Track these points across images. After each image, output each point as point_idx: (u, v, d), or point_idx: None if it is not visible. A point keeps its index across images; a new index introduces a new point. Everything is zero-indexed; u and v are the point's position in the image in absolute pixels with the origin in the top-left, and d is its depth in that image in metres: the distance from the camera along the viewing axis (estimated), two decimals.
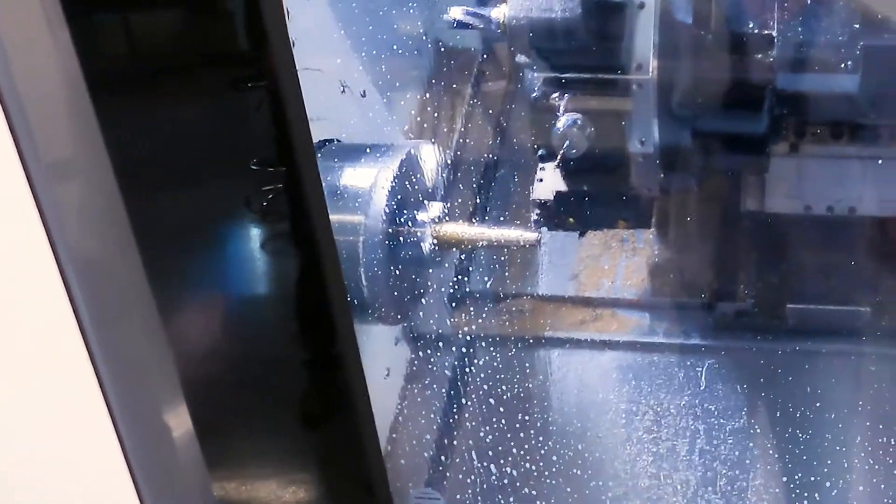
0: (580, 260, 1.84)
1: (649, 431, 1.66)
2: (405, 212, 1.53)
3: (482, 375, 1.73)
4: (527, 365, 1.76)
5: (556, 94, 1.49)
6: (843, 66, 1.47)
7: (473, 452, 1.65)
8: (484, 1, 1.59)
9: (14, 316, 1.06)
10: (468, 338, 1.78)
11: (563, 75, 1.50)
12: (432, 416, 1.73)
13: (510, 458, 1.62)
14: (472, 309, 1.81)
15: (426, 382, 1.78)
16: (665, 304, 1.80)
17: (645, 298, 1.79)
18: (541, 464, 1.62)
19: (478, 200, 1.82)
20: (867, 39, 1.44)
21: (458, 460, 1.66)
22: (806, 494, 1.56)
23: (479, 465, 1.64)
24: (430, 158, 1.62)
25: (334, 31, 1.64)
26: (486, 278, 1.84)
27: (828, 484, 1.56)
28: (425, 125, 1.80)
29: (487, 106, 1.88)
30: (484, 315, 1.80)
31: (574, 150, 1.48)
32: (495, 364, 1.74)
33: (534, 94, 1.51)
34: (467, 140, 1.84)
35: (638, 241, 1.82)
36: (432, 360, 1.78)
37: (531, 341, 1.79)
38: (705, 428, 1.64)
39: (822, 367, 1.66)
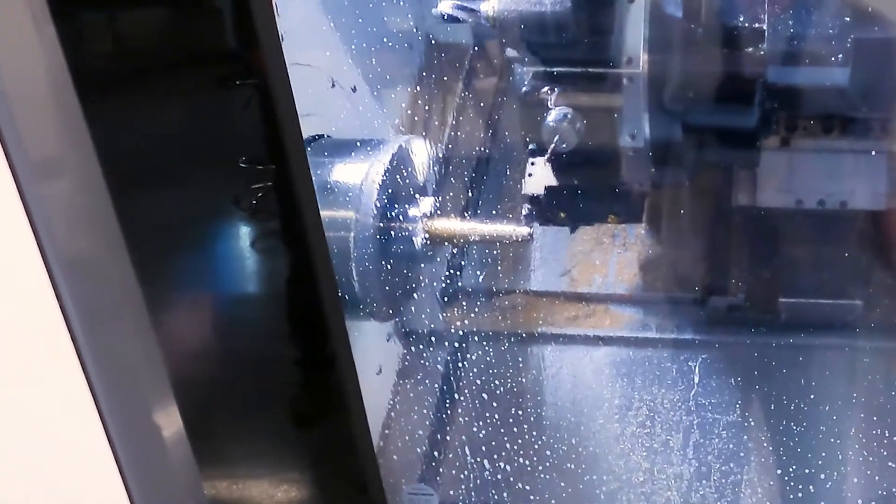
0: (572, 255, 1.84)
1: (643, 426, 1.66)
2: (396, 207, 1.53)
3: (475, 371, 1.73)
4: (520, 361, 1.76)
5: (546, 89, 1.49)
6: (833, 59, 1.47)
7: (466, 448, 1.65)
8: None
9: (1, 316, 1.05)
10: (461, 334, 1.78)
11: (553, 69, 1.49)
12: (425, 412, 1.73)
13: (503, 454, 1.62)
14: (464, 305, 1.81)
15: (419, 379, 1.77)
16: (657, 299, 1.80)
17: (637, 294, 1.79)
18: (534, 459, 1.62)
19: (470, 195, 1.81)
20: (857, 32, 1.44)
21: (451, 456, 1.66)
22: (800, 487, 1.57)
23: (472, 460, 1.64)
24: (421, 153, 1.62)
25: (324, 26, 1.63)
26: (478, 274, 1.83)
27: (822, 476, 1.57)
28: (416, 120, 1.80)
29: (479, 101, 1.88)
30: (476, 311, 1.80)
31: (564, 145, 1.48)
32: (488, 360, 1.74)
33: (523, 89, 1.51)
34: (458, 135, 1.84)
35: (629, 236, 1.82)
36: (425, 356, 1.78)
37: (524, 337, 1.79)
38: (699, 422, 1.64)
39: (815, 361, 1.66)
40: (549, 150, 1.50)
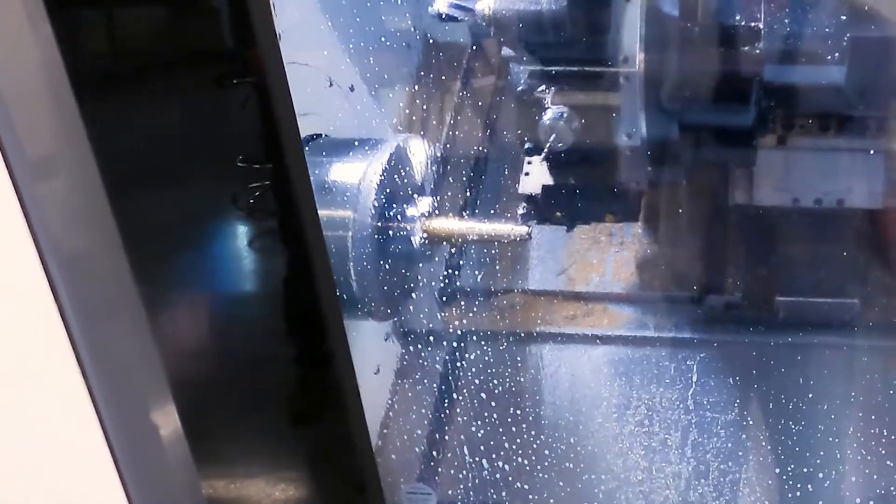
0: (569, 255, 1.84)
1: (641, 425, 1.66)
2: (394, 206, 1.53)
3: (473, 371, 1.73)
4: (518, 360, 1.76)
5: (542, 88, 1.49)
6: (830, 57, 1.47)
7: (465, 448, 1.65)
8: None
9: None
10: (459, 333, 1.78)
11: (549, 68, 1.49)
12: (423, 411, 1.73)
13: (502, 453, 1.62)
14: (462, 304, 1.81)
15: (417, 378, 1.77)
16: (654, 297, 1.80)
17: (634, 292, 1.79)
18: (533, 458, 1.62)
19: (468, 194, 1.81)
20: (854, 31, 1.44)
21: (449, 456, 1.66)
22: (798, 486, 1.57)
23: (471, 460, 1.64)
24: (419, 152, 1.62)
25: (321, 25, 1.63)
26: (476, 273, 1.83)
27: (820, 475, 1.57)
28: (414, 119, 1.80)
29: (477, 100, 1.88)
30: (475, 310, 1.80)
31: (561, 144, 1.48)
32: (486, 359, 1.74)
33: (520, 88, 1.51)
34: (456, 134, 1.84)
35: (626, 235, 1.82)
36: (423, 355, 1.78)
37: (522, 336, 1.79)
38: (697, 421, 1.64)
39: (812, 360, 1.66)
40: (546, 149, 1.50)
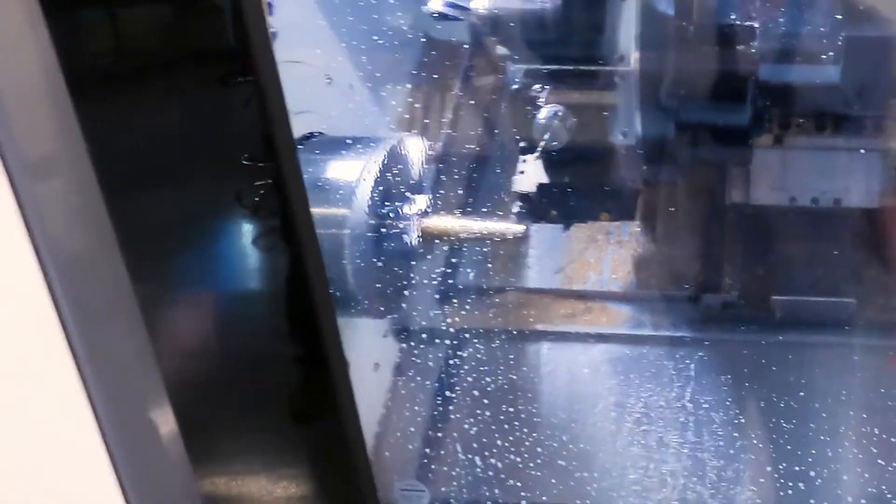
0: (566, 253, 1.84)
1: (637, 423, 1.66)
2: (391, 204, 1.53)
3: (471, 369, 1.73)
4: (516, 358, 1.76)
5: (537, 86, 1.49)
6: (825, 56, 1.47)
7: (465, 445, 1.65)
8: None
9: None
10: (456, 331, 1.78)
11: (544, 67, 1.49)
12: (421, 409, 1.73)
13: (500, 451, 1.62)
14: (459, 303, 1.81)
15: (415, 376, 1.78)
16: (651, 296, 1.80)
17: (631, 291, 1.79)
18: (530, 456, 1.62)
19: (465, 193, 1.81)
20: (849, 30, 1.44)
21: (448, 453, 1.66)
22: (794, 485, 1.57)
23: (470, 457, 1.64)
24: (416, 151, 1.62)
25: (320, 24, 1.63)
26: (473, 272, 1.83)
27: (815, 473, 1.57)
28: (412, 118, 1.80)
29: (474, 98, 1.88)
30: (472, 309, 1.80)
31: (555, 142, 1.48)
32: (484, 357, 1.74)
33: (514, 86, 1.51)
34: (454, 133, 1.84)
35: (623, 233, 1.82)
36: (421, 353, 1.78)
37: (519, 334, 1.79)
38: (692, 419, 1.64)
39: (808, 358, 1.66)
40: (540, 148, 1.50)
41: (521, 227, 1.53)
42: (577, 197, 1.60)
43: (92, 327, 1.06)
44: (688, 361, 1.69)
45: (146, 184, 1.04)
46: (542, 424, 1.65)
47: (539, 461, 1.61)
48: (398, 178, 1.55)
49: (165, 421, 1.13)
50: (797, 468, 1.57)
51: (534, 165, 1.61)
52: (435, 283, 1.81)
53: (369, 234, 1.49)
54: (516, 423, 1.64)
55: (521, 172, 1.61)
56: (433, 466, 1.65)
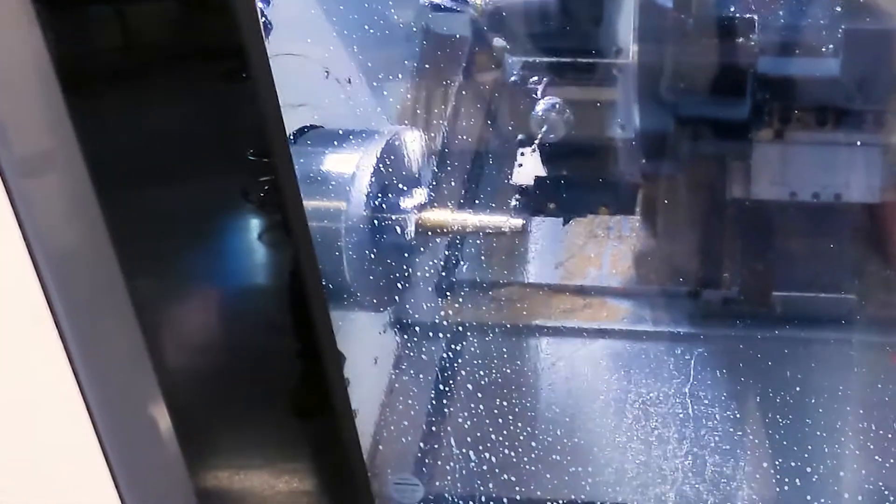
0: (566, 248, 1.83)
1: (636, 419, 1.65)
2: (389, 198, 1.52)
3: (470, 363, 1.73)
4: (512, 353, 1.75)
5: (534, 79, 1.48)
6: (825, 49, 1.46)
7: (463, 439, 1.65)
8: None
9: None
10: (456, 326, 1.78)
11: (541, 59, 1.48)
12: (421, 403, 1.73)
13: (497, 445, 1.62)
14: (459, 297, 1.81)
15: (414, 370, 1.77)
16: (651, 291, 1.79)
17: (631, 286, 1.78)
18: (530, 450, 1.61)
19: (464, 187, 1.81)
20: (848, 23, 1.43)
21: (446, 447, 1.66)
22: (794, 480, 1.56)
23: (468, 452, 1.64)
24: (415, 144, 1.61)
25: (318, 17, 1.62)
26: (473, 267, 1.83)
27: (815, 468, 1.56)
28: (411, 111, 1.79)
29: (474, 92, 1.87)
30: (471, 303, 1.80)
31: (552, 135, 1.47)
32: (483, 352, 1.74)
33: (512, 79, 1.50)
34: (453, 126, 1.83)
35: (624, 228, 1.81)
36: (420, 348, 1.78)
37: (518, 329, 1.79)
38: (691, 415, 1.64)
39: (809, 354, 1.65)
40: (537, 141, 1.50)
41: (519, 222, 1.53)
42: (576, 190, 1.60)
43: (85, 324, 1.06)
44: (687, 357, 1.68)
45: (139, 181, 1.04)
46: (543, 419, 1.65)
47: (540, 455, 1.61)
48: (395, 172, 1.54)
49: (159, 416, 1.13)
50: (798, 464, 1.57)
51: (532, 158, 1.60)
52: (433, 277, 1.81)
53: (366, 228, 1.48)
54: (518, 417, 1.63)
55: (520, 165, 1.61)
56: (431, 460, 1.65)
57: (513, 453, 1.61)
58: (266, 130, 1.03)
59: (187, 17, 0.99)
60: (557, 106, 1.47)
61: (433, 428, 1.70)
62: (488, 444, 1.62)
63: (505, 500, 1.59)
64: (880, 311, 1.65)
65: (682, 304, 1.74)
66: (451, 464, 1.64)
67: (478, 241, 1.80)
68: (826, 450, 1.56)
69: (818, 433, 1.57)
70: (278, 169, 1.06)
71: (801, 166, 1.60)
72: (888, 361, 1.64)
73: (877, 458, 1.55)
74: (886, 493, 1.50)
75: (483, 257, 1.82)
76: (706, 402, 1.65)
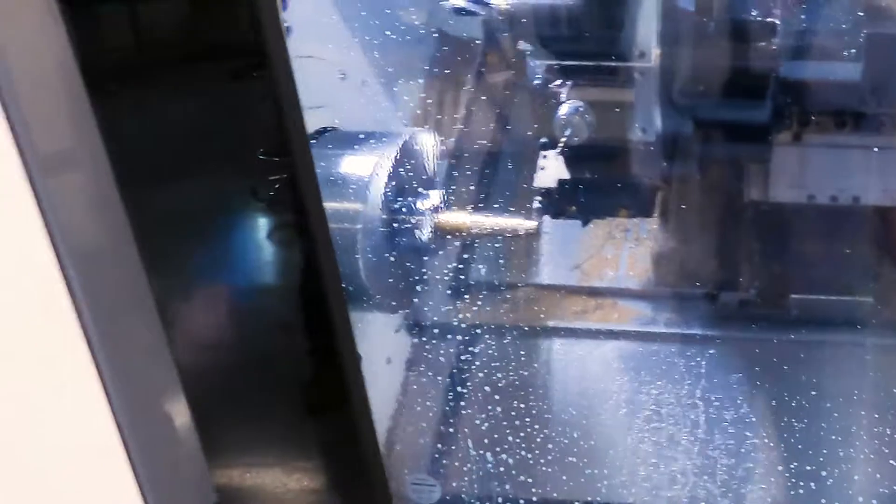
0: (583, 250, 1.83)
1: (650, 421, 1.65)
2: (404, 200, 1.52)
3: (484, 364, 1.73)
4: (528, 355, 1.76)
5: (558, 82, 1.48)
6: (846, 54, 1.46)
7: (475, 440, 1.65)
8: None
9: (12, 307, 1.05)
10: (469, 327, 1.78)
11: (564, 63, 1.49)
12: (434, 403, 1.73)
13: (510, 446, 1.62)
14: (473, 298, 1.81)
15: (427, 370, 1.78)
16: (668, 293, 1.79)
17: (648, 288, 1.79)
18: (536, 452, 1.62)
19: (478, 189, 1.81)
20: (870, 27, 1.43)
21: (458, 448, 1.66)
22: (808, 484, 1.56)
23: (481, 452, 1.64)
24: (430, 146, 1.61)
25: (334, 19, 1.63)
26: (487, 268, 1.83)
27: (823, 473, 1.56)
28: (425, 113, 1.80)
29: (489, 95, 1.87)
30: (485, 304, 1.80)
31: (576, 138, 1.48)
32: (496, 353, 1.74)
33: (535, 82, 1.51)
34: (467, 128, 1.83)
35: (641, 230, 1.81)
36: (433, 348, 1.78)
37: (532, 331, 1.79)
38: (707, 417, 1.64)
39: (825, 357, 1.65)
40: (561, 144, 1.50)
41: (534, 224, 1.53)
42: (597, 193, 1.60)
43: (108, 319, 1.06)
44: (700, 359, 1.68)
45: (162, 178, 1.04)
46: (559, 422, 1.65)
47: (552, 457, 1.61)
48: (411, 174, 1.54)
49: (180, 412, 1.13)
50: (813, 468, 1.57)
51: (553, 161, 1.60)
52: (448, 278, 1.81)
53: (382, 229, 1.48)
54: (529, 419, 1.64)
55: (542, 168, 1.61)
56: (444, 461, 1.65)
57: (529, 455, 1.61)
58: (287, 129, 1.04)
59: (210, 14, 0.99)
60: (581, 109, 1.48)
61: (446, 428, 1.70)
62: (502, 445, 1.63)
63: (521, 501, 1.59)
64: None
65: (700, 306, 1.74)
66: (465, 464, 1.64)
67: (492, 243, 1.81)
68: (841, 454, 1.56)
69: (833, 437, 1.57)
70: (299, 169, 1.06)
71: (820, 169, 1.60)
72: None
73: (892, 462, 1.55)
74: None
75: (497, 259, 1.82)
76: (722, 404, 1.65)
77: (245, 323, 1.14)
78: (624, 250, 1.82)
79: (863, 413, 1.59)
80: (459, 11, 1.59)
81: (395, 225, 1.51)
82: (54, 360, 1.08)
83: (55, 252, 1.01)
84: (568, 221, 1.75)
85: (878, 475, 1.55)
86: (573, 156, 1.56)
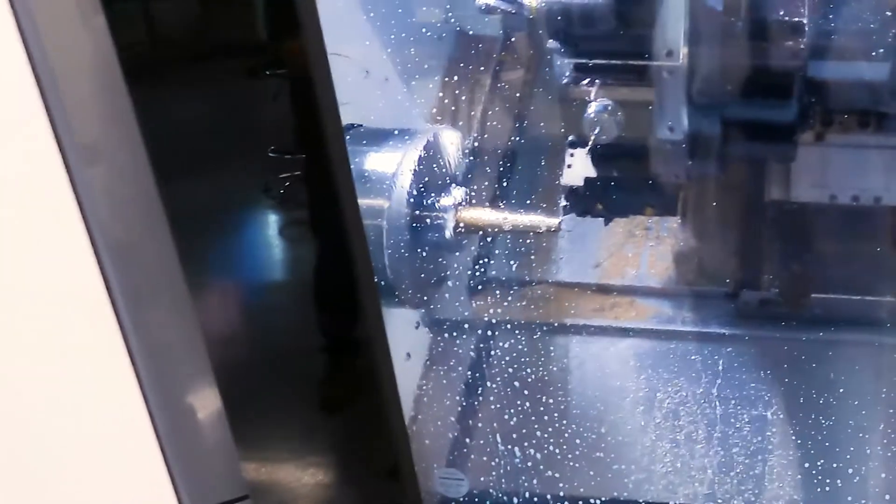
0: (604, 248, 1.84)
1: (674, 418, 1.66)
2: (428, 196, 1.54)
3: (503, 360, 1.74)
4: (548, 350, 1.76)
5: (586, 81, 1.49)
6: (874, 54, 1.47)
7: (496, 435, 1.66)
8: None
9: (49, 297, 1.07)
10: (489, 322, 1.79)
11: (593, 61, 1.50)
12: (453, 399, 1.74)
13: (532, 441, 1.63)
14: (491, 295, 1.82)
15: (446, 366, 1.78)
16: (689, 292, 1.80)
17: (669, 286, 1.79)
18: (563, 447, 1.62)
19: (500, 186, 1.82)
20: None
21: (480, 442, 1.67)
22: (827, 482, 1.57)
23: (503, 447, 1.65)
24: (453, 143, 1.63)
25: (357, 16, 1.64)
26: (507, 264, 1.84)
27: (843, 472, 1.56)
28: (448, 110, 1.80)
29: (510, 92, 1.88)
30: (504, 301, 1.81)
31: (605, 137, 1.49)
32: (516, 349, 1.75)
33: (564, 80, 1.52)
34: (489, 126, 1.84)
35: (662, 229, 1.82)
36: (452, 344, 1.79)
37: (552, 327, 1.80)
38: (728, 415, 1.65)
39: (846, 357, 1.66)
40: (590, 142, 1.51)
41: (555, 221, 1.54)
42: (624, 191, 1.61)
43: (142, 309, 1.07)
44: (724, 358, 1.69)
45: (199, 171, 1.05)
46: (587, 417, 1.66)
47: (576, 453, 1.62)
48: (435, 170, 1.55)
49: (212, 403, 1.14)
50: (832, 465, 1.57)
51: (581, 159, 1.61)
52: (468, 274, 1.82)
53: (407, 226, 1.50)
54: (554, 414, 1.64)
55: (569, 166, 1.62)
56: (464, 455, 1.66)
57: (548, 450, 1.62)
58: (324, 125, 1.05)
59: (252, 11, 1.00)
60: (609, 107, 1.49)
61: (463, 424, 1.71)
62: (524, 440, 1.64)
63: (540, 496, 1.60)
64: None
65: (721, 304, 1.75)
66: (484, 459, 1.65)
67: (512, 240, 1.81)
68: (864, 453, 1.57)
69: (855, 436, 1.58)
70: (336, 164, 1.07)
71: (842, 169, 1.60)
72: None
73: None
74: None
75: (517, 256, 1.83)
76: (741, 402, 1.66)
77: (279, 316, 1.15)
78: (645, 248, 1.82)
79: (886, 412, 1.60)
80: (487, 9, 1.60)
81: (419, 221, 1.52)
82: (88, 350, 1.09)
83: (91, 242, 1.03)
84: (587, 220, 1.76)
85: None
86: (601, 154, 1.57)
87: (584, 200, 1.63)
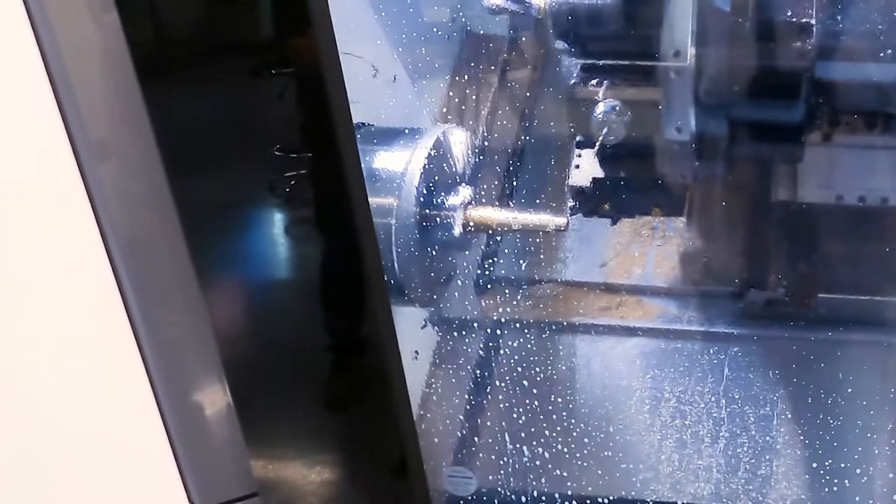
0: (610, 247, 1.85)
1: (680, 417, 1.66)
2: (436, 195, 1.54)
3: (509, 359, 1.74)
4: (555, 349, 1.77)
5: (594, 81, 1.50)
6: (882, 54, 1.47)
7: (501, 434, 1.66)
8: None
9: (60, 293, 1.07)
10: (496, 321, 1.79)
11: (601, 62, 1.50)
12: (460, 397, 1.75)
13: (539, 440, 1.64)
14: (498, 294, 1.82)
15: (454, 365, 1.79)
16: (695, 291, 1.80)
17: (676, 286, 1.80)
18: (571, 446, 1.63)
19: (507, 185, 1.82)
20: None
21: (488, 441, 1.68)
22: (834, 482, 1.57)
23: (511, 446, 1.65)
24: (461, 142, 1.63)
25: (367, 16, 1.64)
26: (513, 263, 1.84)
27: (849, 472, 1.57)
28: (455, 110, 1.81)
29: (517, 91, 1.88)
30: (510, 300, 1.81)
31: (612, 137, 1.49)
32: (523, 348, 1.75)
33: (572, 81, 1.52)
34: (497, 125, 1.85)
35: (669, 228, 1.82)
36: (460, 342, 1.79)
37: (559, 326, 1.80)
38: (734, 415, 1.65)
39: (852, 357, 1.66)
40: (598, 143, 1.52)
41: (563, 220, 1.55)
42: (631, 191, 1.62)
43: (153, 306, 1.08)
44: (729, 357, 1.69)
45: (211, 168, 1.06)
46: (595, 416, 1.66)
47: (584, 452, 1.63)
48: (443, 169, 1.56)
49: (221, 401, 1.15)
50: (840, 465, 1.57)
51: (588, 160, 1.62)
52: (475, 273, 1.82)
53: (416, 225, 1.50)
54: (563, 413, 1.65)
55: (577, 167, 1.63)
56: (471, 454, 1.67)
57: (555, 449, 1.62)
58: (336, 123, 1.05)
59: (266, 8, 1.01)
60: (617, 108, 1.49)
61: (474, 422, 1.72)
62: (531, 439, 1.64)
63: (546, 494, 1.60)
64: None
65: (727, 304, 1.75)
66: (494, 456, 1.65)
67: (519, 239, 1.82)
68: (871, 453, 1.57)
69: (862, 436, 1.58)
70: (347, 162, 1.08)
71: (848, 170, 1.60)
72: None
73: None
74: None
75: (524, 255, 1.83)
76: (747, 401, 1.66)
77: (289, 314, 1.15)
78: (651, 248, 1.83)
79: (889, 412, 1.60)
80: (496, 10, 1.60)
81: (428, 220, 1.52)
82: (99, 346, 1.10)
83: (102, 238, 1.03)
84: (593, 219, 1.76)
85: None
86: (608, 154, 1.57)
87: (592, 200, 1.63)
